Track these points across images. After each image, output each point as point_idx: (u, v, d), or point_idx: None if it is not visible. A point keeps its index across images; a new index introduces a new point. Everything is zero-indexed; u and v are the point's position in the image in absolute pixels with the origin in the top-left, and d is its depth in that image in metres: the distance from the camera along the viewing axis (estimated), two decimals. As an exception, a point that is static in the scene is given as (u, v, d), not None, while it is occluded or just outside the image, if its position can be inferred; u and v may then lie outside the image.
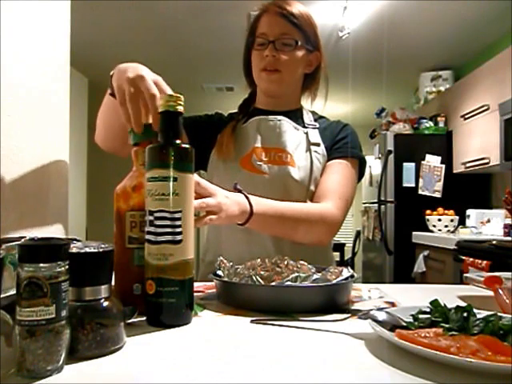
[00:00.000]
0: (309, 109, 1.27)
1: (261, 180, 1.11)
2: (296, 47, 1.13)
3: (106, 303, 0.52)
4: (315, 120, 1.24)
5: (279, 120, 1.18)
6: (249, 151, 1.15)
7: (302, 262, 0.83)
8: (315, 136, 1.19)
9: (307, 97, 1.26)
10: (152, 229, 0.63)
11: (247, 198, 0.93)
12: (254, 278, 0.77)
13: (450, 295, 0.84)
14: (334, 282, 0.77)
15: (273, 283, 0.76)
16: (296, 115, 1.22)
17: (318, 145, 1.17)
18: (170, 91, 0.76)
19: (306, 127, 1.20)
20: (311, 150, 1.16)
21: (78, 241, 0.59)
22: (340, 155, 1.17)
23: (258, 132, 1.17)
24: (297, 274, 0.77)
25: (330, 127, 1.22)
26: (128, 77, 0.76)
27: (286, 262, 0.82)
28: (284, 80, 1.15)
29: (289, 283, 0.75)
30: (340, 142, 1.19)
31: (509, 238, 2.73)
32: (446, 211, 3.44)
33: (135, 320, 0.65)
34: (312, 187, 1.13)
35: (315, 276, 0.77)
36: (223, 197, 0.87)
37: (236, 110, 1.27)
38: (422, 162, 3.71)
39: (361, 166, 1.20)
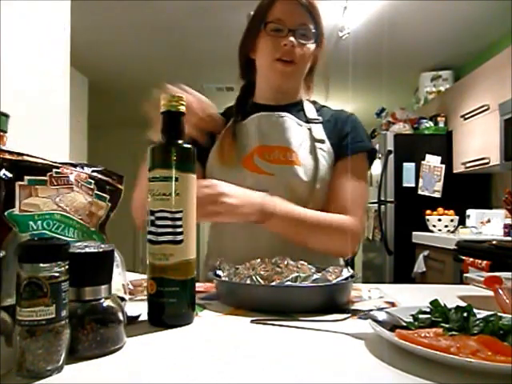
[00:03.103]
0: (309, 99, 1.21)
1: (265, 180, 1.06)
2: (312, 40, 1.07)
3: (106, 303, 0.52)
4: (317, 110, 1.18)
5: (282, 116, 1.12)
6: (250, 151, 1.10)
7: (302, 262, 0.83)
8: (319, 132, 1.13)
9: (305, 90, 1.20)
10: (153, 229, 0.63)
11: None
12: (254, 277, 0.77)
13: (450, 295, 0.84)
14: (334, 281, 0.77)
15: (273, 283, 0.76)
16: (297, 108, 1.16)
17: (322, 141, 1.12)
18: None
19: (309, 122, 1.14)
20: (316, 147, 1.10)
21: (78, 241, 0.59)
22: (350, 152, 1.11)
23: (259, 130, 1.11)
24: (297, 274, 0.77)
25: (332, 119, 1.16)
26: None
27: (286, 262, 0.82)
28: (297, 73, 1.10)
29: (289, 283, 0.75)
30: (347, 137, 1.12)
31: (509, 238, 2.73)
32: (446, 211, 3.44)
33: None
34: (318, 186, 1.08)
35: (315, 276, 0.77)
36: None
37: (232, 104, 1.20)
38: (422, 162, 3.71)
39: (370, 157, 1.16)
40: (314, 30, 1.08)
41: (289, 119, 1.12)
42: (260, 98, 1.18)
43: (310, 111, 1.17)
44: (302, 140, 1.11)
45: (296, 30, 1.05)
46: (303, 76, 1.15)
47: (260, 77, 1.16)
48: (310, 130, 1.13)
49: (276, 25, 1.06)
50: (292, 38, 1.04)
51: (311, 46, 1.09)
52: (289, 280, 0.76)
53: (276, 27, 1.06)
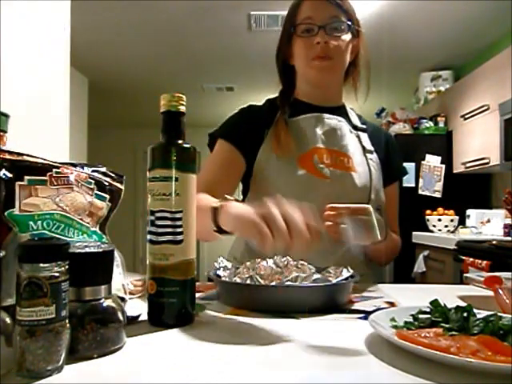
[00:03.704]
0: (349, 105, 1.21)
1: (322, 184, 1.04)
2: (346, 32, 1.06)
3: (106, 303, 0.52)
4: (359, 118, 1.20)
5: (339, 121, 1.12)
6: (309, 150, 1.07)
7: (302, 261, 0.83)
8: (366, 141, 1.15)
9: (348, 90, 1.18)
10: (153, 229, 0.63)
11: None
12: (254, 278, 0.77)
13: (450, 295, 0.84)
14: (334, 281, 0.77)
15: (273, 283, 0.76)
16: (341, 112, 1.16)
17: (371, 152, 1.14)
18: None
19: (356, 129, 1.15)
20: (367, 156, 1.12)
21: (78, 241, 0.59)
22: (398, 178, 1.22)
23: (318, 131, 1.10)
24: (297, 274, 0.77)
25: (374, 132, 1.19)
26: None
27: (285, 262, 0.82)
28: (336, 68, 1.08)
29: (289, 283, 0.75)
30: (395, 161, 1.20)
31: (509, 238, 2.73)
32: (446, 211, 3.44)
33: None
34: (373, 196, 1.09)
35: (315, 276, 0.77)
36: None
37: (273, 96, 1.18)
38: (422, 162, 3.71)
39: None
40: (346, 21, 1.06)
41: (345, 125, 1.13)
42: (301, 96, 1.16)
43: (354, 118, 1.18)
44: (355, 147, 1.12)
45: (326, 25, 1.04)
46: (343, 70, 1.12)
47: (300, 77, 1.15)
48: (358, 137, 1.14)
49: (305, 25, 1.06)
50: (323, 35, 1.03)
51: (346, 37, 1.07)
52: (289, 280, 0.76)
53: (306, 28, 1.06)
